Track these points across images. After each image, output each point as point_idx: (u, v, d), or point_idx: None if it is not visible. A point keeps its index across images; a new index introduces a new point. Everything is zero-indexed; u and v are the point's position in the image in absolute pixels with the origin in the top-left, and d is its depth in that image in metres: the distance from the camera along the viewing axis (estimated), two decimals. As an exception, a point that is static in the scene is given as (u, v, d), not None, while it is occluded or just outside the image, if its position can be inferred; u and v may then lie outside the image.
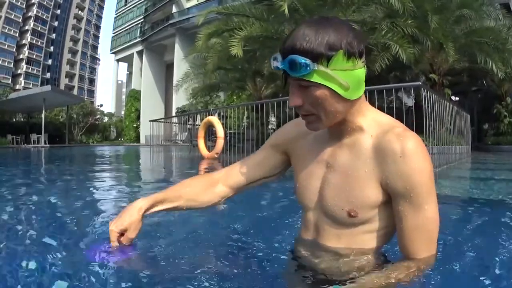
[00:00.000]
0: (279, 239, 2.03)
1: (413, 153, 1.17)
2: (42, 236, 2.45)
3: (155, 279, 1.50)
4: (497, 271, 1.63)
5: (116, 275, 1.47)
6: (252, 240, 2.17)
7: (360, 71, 1.20)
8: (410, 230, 1.21)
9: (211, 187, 1.59)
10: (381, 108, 5.47)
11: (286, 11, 12.80)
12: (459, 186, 5.80)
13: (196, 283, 1.42)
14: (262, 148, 1.64)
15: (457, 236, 2.26)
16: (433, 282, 1.41)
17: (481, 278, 1.54)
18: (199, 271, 1.57)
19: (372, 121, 1.29)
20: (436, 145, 8.23)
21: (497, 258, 1.79)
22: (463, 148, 11.60)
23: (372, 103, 7.12)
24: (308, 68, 1.11)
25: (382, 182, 1.22)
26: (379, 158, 1.22)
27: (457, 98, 16.33)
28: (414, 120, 7.25)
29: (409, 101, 14.79)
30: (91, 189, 5.33)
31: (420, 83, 9.61)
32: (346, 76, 1.16)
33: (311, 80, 1.14)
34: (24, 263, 1.73)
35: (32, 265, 1.71)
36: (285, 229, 2.27)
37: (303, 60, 1.11)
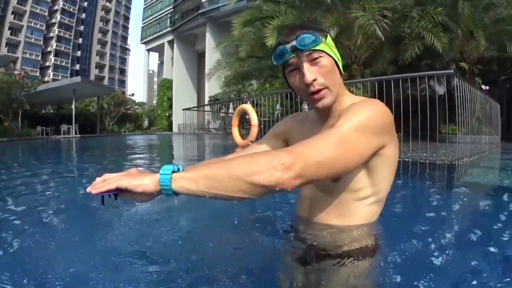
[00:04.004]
0: (277, 217, 2.17)
1: (362, 102, 1.37)
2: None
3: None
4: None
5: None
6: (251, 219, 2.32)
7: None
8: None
9: None
10: (412, 96, 5.48)
11: None
12: (491, 175, 5.76)
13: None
14: (265, 138, 1.78)
15: (485, 226, 2.30)
16: (455, 271, 1.55)
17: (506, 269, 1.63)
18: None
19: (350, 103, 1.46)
20: (467, 135, 8.19)
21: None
22: (493, 138, 11.47)
23: (404, 90, 7.15)
24: (317, 40, 1.35)
25: None
26: None
27: (487, 87, 16.04)
28: (447, 108, 7.24)
29: (440, 90, 14.60)
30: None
31: (452, 71, 9.53)
32: (337, 53, 1.43)
33: (322, 49, 1.37)
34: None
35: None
36: (282, 208, 2.38)
37: (312, 34, 1.35)
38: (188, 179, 1.06)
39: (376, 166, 1.39)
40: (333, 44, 1.42)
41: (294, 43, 1.35)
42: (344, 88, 1.48)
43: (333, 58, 1.40)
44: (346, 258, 1.39)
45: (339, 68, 1.43)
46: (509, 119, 20.78)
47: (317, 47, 1.35)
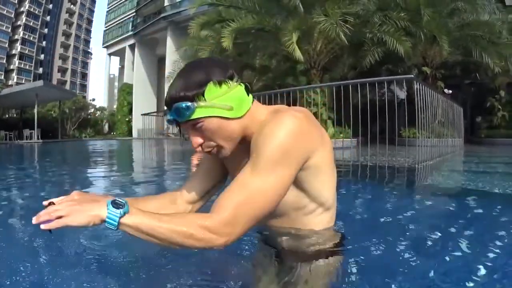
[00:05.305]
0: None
1: (275, 121, 1.25)
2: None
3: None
4: (489, 261, 1.68)
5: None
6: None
7: (236, 89, 1.31)
8: (234, 182, 1.24)
9: (173, 204, 1.58)
10: (372, 101, 5.44)
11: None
12: (451, 178, 5.81)
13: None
14: (205, 157, 1.67)
15: (448, 227, 2.32)
16: (422, 273, 1.53)
17: (472, 268, 1.59)
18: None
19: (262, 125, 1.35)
20: (429, 138, 8.25)
21: (488, 249, 1.85)
22: (456, 141, 11.66)
23: (363, 95, 7.14)
24: (190, 109, 1.25)
25: None
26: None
27: (450, 91, 16.37)
28: (406, 113, 7.24)
29: (402, 94, 14.79)
30: (82, 181, 5.37)
31: (413, 75, 9.60)
32: (225, 100, 1.28)
33: (198, 117, 1.26)
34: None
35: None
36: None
37: (184, 104, 1.25)
38: (134, 229, 1.11)
39: (307, 178, 1.35)
40: (218, 93, 1.28)
41: (169, 116, 1.32)
42: (254, 112, 1.37)
43: (218, 115, 1.29)
44: (304, 260, 1.42)
45: (230, 118, 1.30)
46: (472, 122, 21.30)
47: (193, 116, 1.27)
